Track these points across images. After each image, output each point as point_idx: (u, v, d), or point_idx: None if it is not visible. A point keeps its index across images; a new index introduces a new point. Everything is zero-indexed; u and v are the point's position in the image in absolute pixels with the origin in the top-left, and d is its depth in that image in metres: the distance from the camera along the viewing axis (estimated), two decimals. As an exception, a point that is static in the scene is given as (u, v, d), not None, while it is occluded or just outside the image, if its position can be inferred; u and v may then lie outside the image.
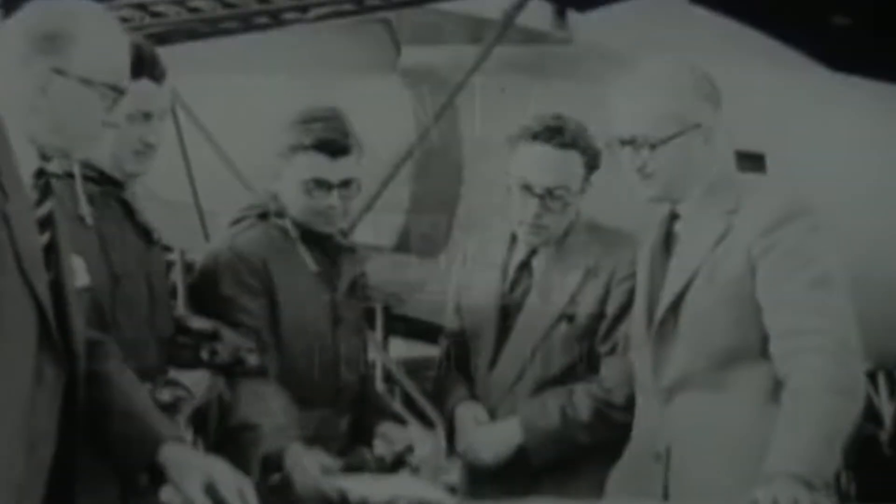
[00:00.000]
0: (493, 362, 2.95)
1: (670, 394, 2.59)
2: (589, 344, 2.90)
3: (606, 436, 2.82)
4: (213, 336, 2.65)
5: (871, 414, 8.57)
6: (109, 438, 2.23)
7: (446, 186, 6.34)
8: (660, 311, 2.60)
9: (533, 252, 2.96)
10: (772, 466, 2.30)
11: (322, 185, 2.77)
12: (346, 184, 2.80)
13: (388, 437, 2.73)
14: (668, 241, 2.68)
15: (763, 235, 2.53)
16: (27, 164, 2.13)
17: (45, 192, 2.16)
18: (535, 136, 2.87)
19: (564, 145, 2.86)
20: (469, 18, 6.32)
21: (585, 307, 2.90)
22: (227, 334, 2.65)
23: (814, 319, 2.46)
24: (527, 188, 2.86)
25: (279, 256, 2.79)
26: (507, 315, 2.96)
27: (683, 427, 2.58)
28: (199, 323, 2.66)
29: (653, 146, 2.58)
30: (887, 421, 8.60)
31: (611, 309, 2.88)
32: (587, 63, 6.49)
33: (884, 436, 8.54)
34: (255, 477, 2.43)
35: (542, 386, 2.90)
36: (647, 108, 2.59)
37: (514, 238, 2.99)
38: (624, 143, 2.61)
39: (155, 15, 5.53)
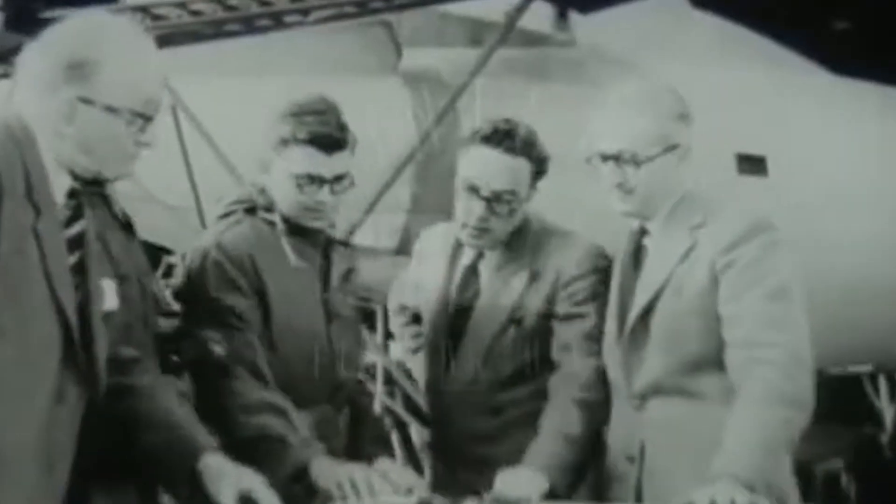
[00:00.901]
0: (446, 366, 2.94)
1: (643, 399, 2.72)
2: (540, 345, 2.89)
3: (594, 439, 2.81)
4: (179, 336, 2.66)
5: (872, 416, 8.58)
6: (153, 449, 2.26)
7: (447, 188, 6.34)
8: (630, 321, 2.73)
9: (479, 255, 2.95)
10: (716, 468, 2.40)
11: (314, 180, 2.73)
12: (338, 179, 2.76)
13: (389, 479, 2.64)
14: (637, 254, 2.79)
15: (726, 251, 2.64)
16: (60, 183, 2.13)
17: (76, 212, 2.16)
18: (485, 139, 2.86)
19: (513, 150, 2.84)
20: (470, 21, 6.32)
21: (533, 309, 2.89)
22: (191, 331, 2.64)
23: (767, 332, 2.57)
24: (473, 190, 2.85)
25: (268, 251, 2.75)
26: (457, 318, 2.95)
27: (655, 430, 2.71)
28: (164, 324, 2.65)
29: (637, 164, 2.68)
30: (888, 423, 8.59)
31: (562, 308, 2.87)
32: (589, 66, 6.49)
33: (884, 438, 8.54)
34: (280, 488, 2.41)
35: (495, 390, 2.89)
36: (634, 127, 2.69)
37: (459, 240, 2.98)
38: (607, 158, 2.70)
39: (156, 18, 5.53)
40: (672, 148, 2.71)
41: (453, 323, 2.95)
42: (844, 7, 8.54)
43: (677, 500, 2.38)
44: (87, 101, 2.09)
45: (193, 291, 2.73)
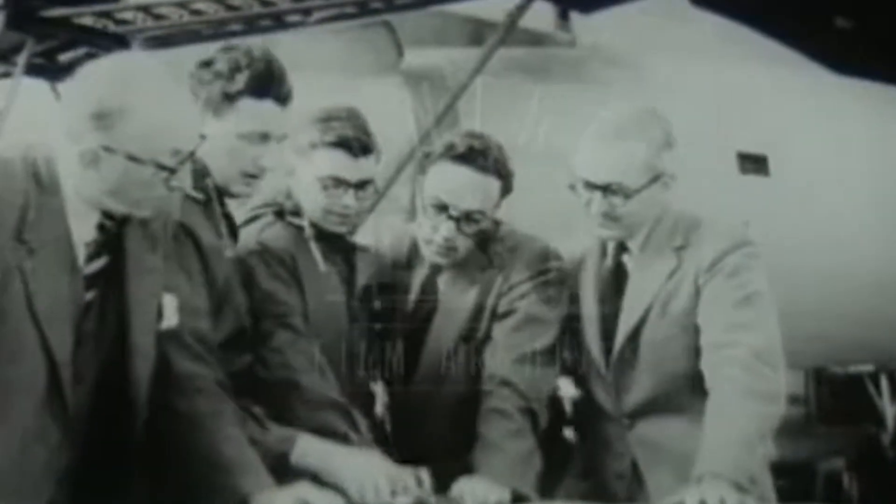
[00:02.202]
0: (406, 381, 2.88)
1: (633, 418, 2.77)
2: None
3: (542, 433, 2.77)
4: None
5: (874, 415, 8.57)
6: (191, 484, 2.24)
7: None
8: (618, 344, 2.75)
9: (437, 269, 2.90)
10: (699, 468, 2.44)
11: (340, 183, 2.75)
12: (363, 184, 2.79)
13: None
14: (617, 274, 2.81)
15: (709, 268, 2.70)
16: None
17: (104, 246, 2.16)
18: (459, 158, 2.79)
19: (486, 169, 2.80)
20: (471, 21, 6.32)
21: (484, 323, 2.85)
22: None
23: (732, 334, 2.63)
24: (442, 208, 2.79)
25: (301, 253, 2.78)
26: (415, 330, 2.89)
27: (646, 448, 2.76)
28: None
29: (626, 196, 2.70)
30: (890, 422, 8.59)
31: (500, 309, 2.84)
32: (590, 65, 6.49)
33: (886, 437, 8.53)
34: None
35: (457, 404, 2.83)
36: (623, 159, 2.70)
37: (414, 249, 2.93)
38: (594, 187, 2.71)
39: (157, 17, 5.52)
40: (658, 177, 2.73)
41: (412, 335, 2.89)
42: (846, 6, 8.54)
43: (667, 501, 2.41)
44: (110, 150, 2.09)
45: (241, 287, 2.70)
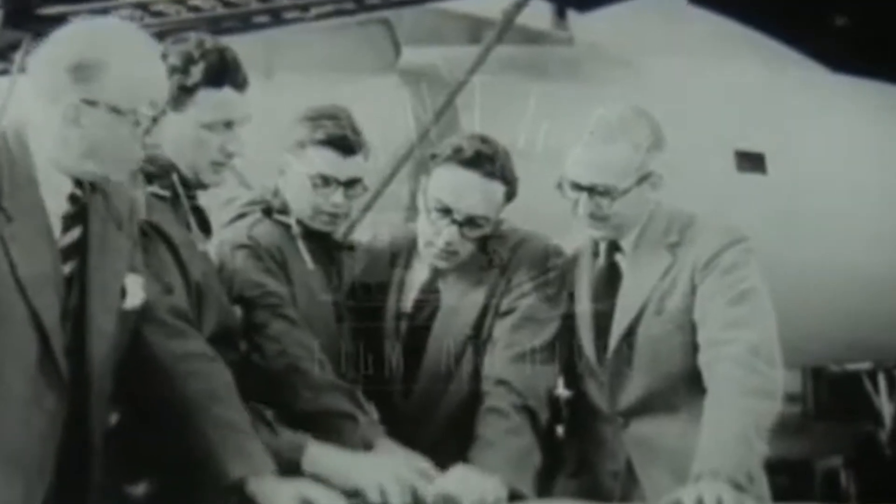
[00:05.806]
0: (405, 392, 2.84)
1: (627, 417, 2.77)
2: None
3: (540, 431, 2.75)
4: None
5: (871, 413, 8.58)
6: (182, 473, 2.23)
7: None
8: (613, 342, 2.75)
9: (437, 272, 2.87)
10: (697, 467, 2.43)
11: (329, 181, 2.77)
12: (352, 183, 2.80)
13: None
14: (611, 273, 2.80)
15: (705, 265, 2.70)
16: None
17: (76, 218, 2.15)
18: (466, 162, 2.77)
19: (492, 175, 2.78)
20: (469, 18, 6.32)
21: (488, 321, 2.83)
22: None
23: (729, 331, 2.63)
24: (445, 212, 2.77)
25: (289, 251, 2.79)
26: (413, 335, 2.86)
27: (641, 447, 2.76)
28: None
29: (613, 197, 2.70)
30: (887, 420, 8.60)
31: (502, 307, 2.82)
32: (587, 63, 6.49)
33: (884, 435, 8.54)
34: None
35: (459, 407, 2.81)
36: (609, 160, 2.71)
37: (412, 248, 2.90)
38: (580, 188, 2.71)
39: (155, 14, 5.52)
40: (646, 178, 2.73)
41: (412, 336, 2.86)
42: (844, 4, 8.55)
43: (665, 500, 2.41)
44: (91, 102, 2.09)
45: (231, 280, 2.71)
